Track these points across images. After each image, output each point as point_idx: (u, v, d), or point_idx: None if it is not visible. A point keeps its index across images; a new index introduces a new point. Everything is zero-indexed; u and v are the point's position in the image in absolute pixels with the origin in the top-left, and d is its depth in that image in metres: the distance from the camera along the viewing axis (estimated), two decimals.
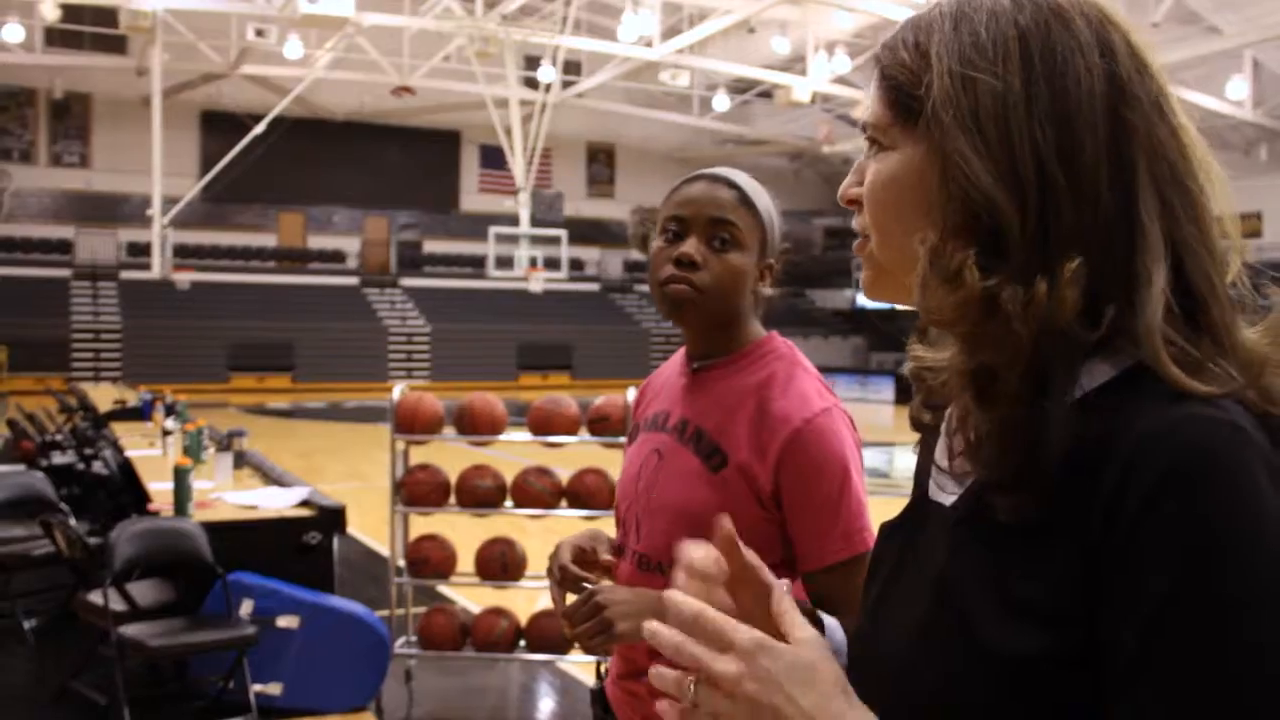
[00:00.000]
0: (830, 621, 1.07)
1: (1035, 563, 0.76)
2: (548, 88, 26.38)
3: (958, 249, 0.79)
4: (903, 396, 18.57)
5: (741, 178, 1.68)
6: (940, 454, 0.91)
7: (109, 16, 23.93)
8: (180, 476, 4.92)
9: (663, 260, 1.65)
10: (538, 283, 27.22)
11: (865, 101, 0.91)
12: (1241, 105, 24.59)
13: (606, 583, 1.59)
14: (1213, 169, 0.81)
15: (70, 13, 22.90)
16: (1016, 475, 0.77)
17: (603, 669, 1.78)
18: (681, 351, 1.76)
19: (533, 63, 27.24)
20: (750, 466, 1.56)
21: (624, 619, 1.47)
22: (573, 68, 28.73)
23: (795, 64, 25.51)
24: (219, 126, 29.84)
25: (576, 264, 32.92)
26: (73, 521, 5.40)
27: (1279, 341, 0.78)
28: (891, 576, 0.92)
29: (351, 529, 8.21)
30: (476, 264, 31.72)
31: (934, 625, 0.82)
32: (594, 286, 36.25)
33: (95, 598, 4.54)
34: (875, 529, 1.08)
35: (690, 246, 1.63)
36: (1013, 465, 0.77)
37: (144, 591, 4.74)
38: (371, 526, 8.14)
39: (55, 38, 26.98)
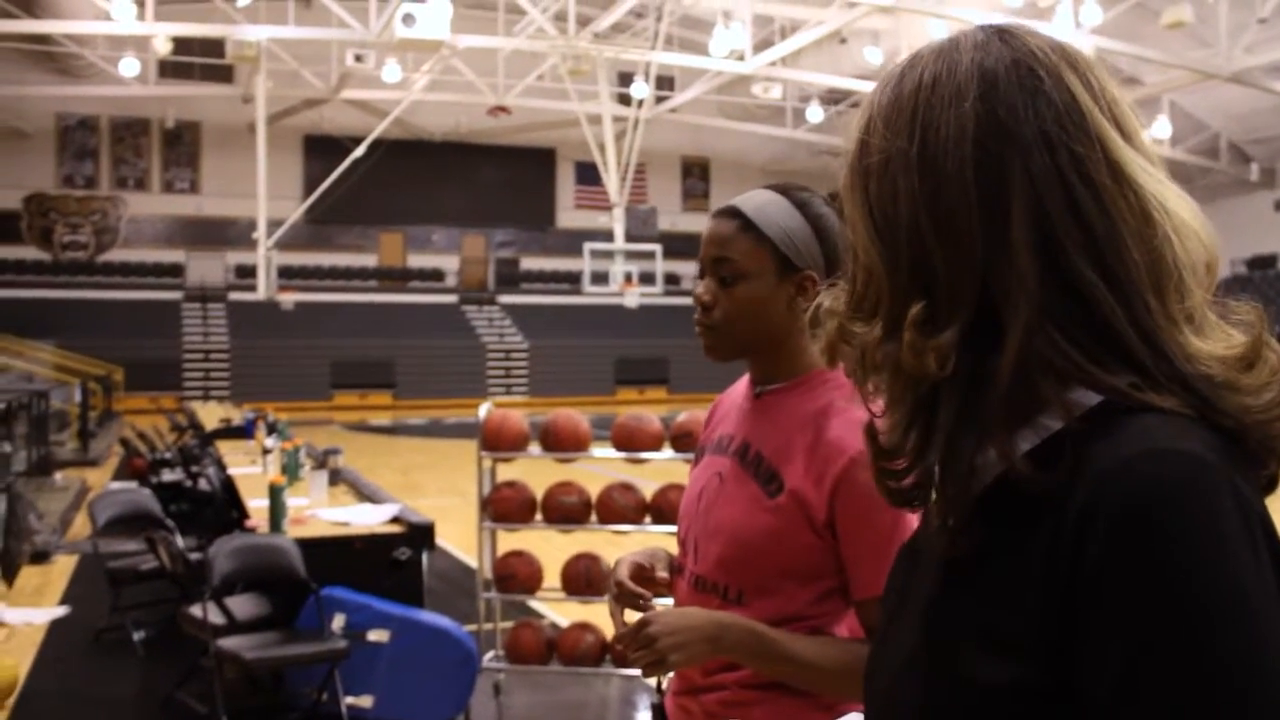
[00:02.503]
0: None
1: (1009, 598, 0.77)
2: (640, 103, 26.53)
3: (840, 298, 0.87)
4: None
5: (750, 202, 1.69)
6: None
7: (216, 47, 24.80)
8: (275, 494, 5.06)
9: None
10: (633, 298, 27.33)
11: None
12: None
13: (660, 604, 1.60)
14: (1157, 199, 0.80)
15: (180, 45, 23.79)
16: (940, 513, 0.82)
17: (663, 684, 1.80)
18: (747, 375, 1.78)
19: (625, 79, 27.44)
20: (805, 493, 1.57)
21: (676, 650, 1.48)
22: (665, 83, 28.86)
23: None
24: (321, 150, 30.64)
25: (672, 278, 32.95)
26: (177, 537, 5.60)
27: (1245, 366, 0.77)
28: (894, 608, 0.93)
29: (446, 544, 8.36)
30: (573, 280, 31.98)
31: (917, 656, 0.83)
32: (689, 301, 36.08)
33: (195, 611, 4.71)
34: None
35: (701, 288, 1.67)
36: (939, 500, 0.83)
37: (241, 606, 4.90)
38: (465, 542, 8.27)
39: (167, 69, 28.09)
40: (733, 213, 1.68)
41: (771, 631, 1.50)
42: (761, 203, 1.68)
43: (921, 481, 0.87)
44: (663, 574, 1.67)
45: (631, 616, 1.58)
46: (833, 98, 30.09)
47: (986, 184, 0.79)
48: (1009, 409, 0.78)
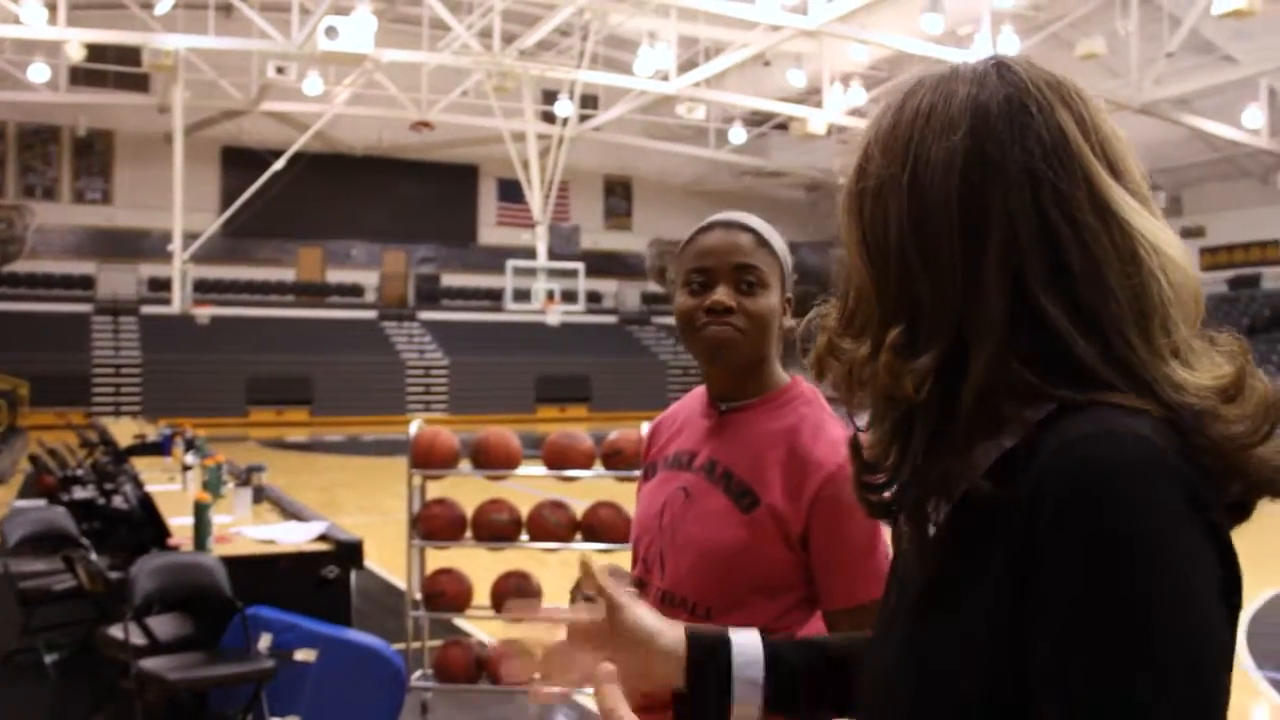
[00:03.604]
0: (740, 638, 1.09)
1: (980, 608, 0.79)
2: (565, 121, 26.57)
3: (831, 314, 0.91)
4: None
5: (753, 220, 1.73)
6: None
7: (132, 55, 24.31)
8: (200, 512, 4.96)
9: (693, 310, 1.68)
10: (555, 315, 27.31)
11: None
12: (1258, 134, 24.59)
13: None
14: (1144, 236, 0.81)
15: (94, 52, 23.25)
16: (911, 529, 0.87)
17: None
18: (700, 391, 1.79)
19: (550, 97, 27.47)
20: (782, 509, 1.60)
21: None
22: (590, 101, 28.94)
23: (811, 96, 25.65)
24: (239, 162, 30.15)
25: (594, 296, 33.03)
26: (94, 556, 5.45)
27: (1228, 398, 0.79)
28: (883, 621, 0.95)
29: (370, 562, 8.24)
30: (494, 297, 31.87)
31: (899, 669, 0.86)
32: (611, 319, 36.34)
33: (116, 632, 4.58)
34: None
35: (722, 294, 1.66)
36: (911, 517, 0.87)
37: (163, 626, 4.78)
38: (390, 560, 8.17)
39: (79, 76, 27.41)
40: (744, 227, 1.71)
41: None
42: (761, 223, 1.73)
43: (896, 496, 0.90)
44: (628, 590, 1.68)
45: None
46: (756, 119, 30.45)
47: (968, 216, 0.81)
48: (972, 431, 0.82)
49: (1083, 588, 0.72)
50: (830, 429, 1.66)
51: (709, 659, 1.07)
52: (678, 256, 1.75)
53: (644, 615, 1.10)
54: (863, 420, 0.91)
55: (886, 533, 1.59)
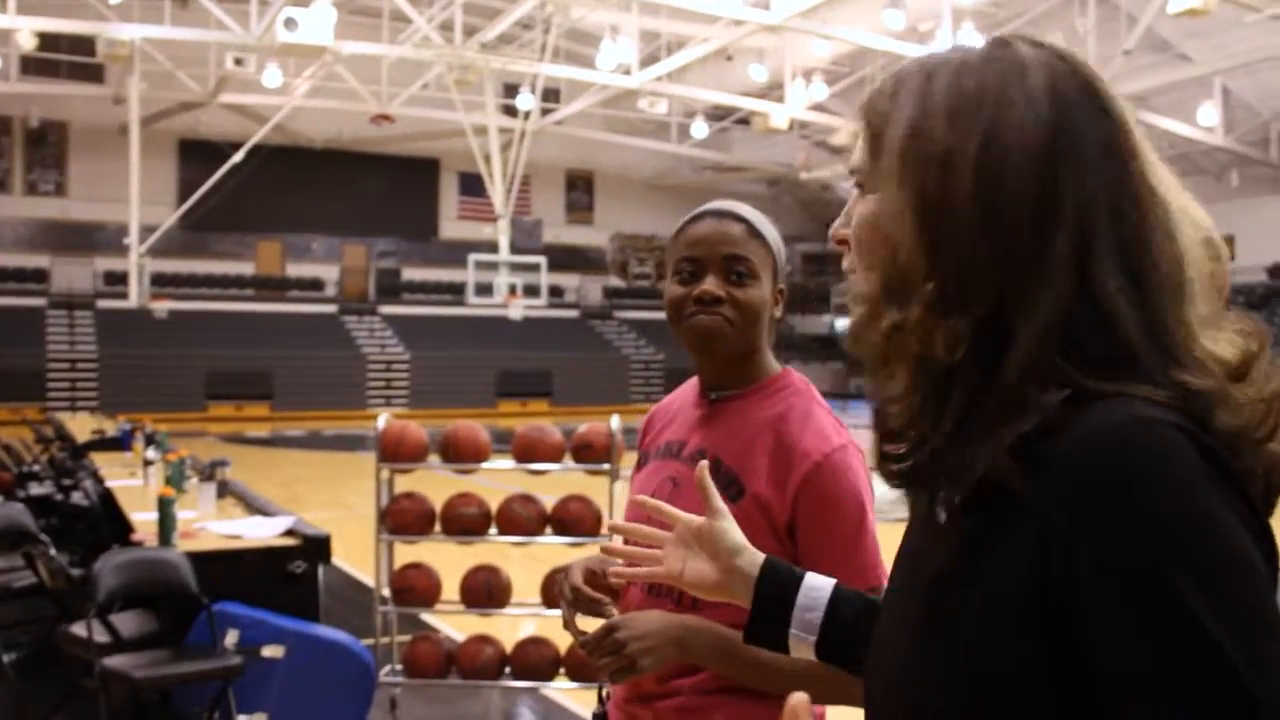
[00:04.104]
0: (813, 582, 1.19)
1: (1000, 588, 0.80)
2: (526, 115, 26.48)
3: (876, 286, 0.89)
4: None
5: (746, 210, 1.72)
6: None
7: (86, 45, 23.95)
8: (164, 506, 4.90)
9: (682, 300, 1.67)
10: (517, 310, 27.24)
11: (855, 146, 0.95)
12: (1213, 131, 24.95)
13: (618, 613, 1.59)
14: (1180, 212, 0.85)
15: (47, 41, 22.89)
16: (936, 505, 0.86)
17: (605, 692, 1.79)
18: (694, 382, 1.78)
19: (511, 90, 27.36)
20: (768, 498, 1.59)
21: (645, 655, 1.47)
22: (551, 95, 28.86)
23: (773, 91, 25.69)
24: (197, 155, 29.76)
25: (556, 291, 32.93)
26: (54, 552, 5.36)
27: (1240, 375, 0.82)
28: (894, 607, 0.95)
29: (335, 558, 8.18)
30: (456, 291, 31.71)
31: (915, 653, 0.86)
32: (573, 313, 36.27)
33: (78, 629, 4.51)
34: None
35: (711, 284, 1.65)
36: (935, 475, 0.85)
37: (127, 623, 4.71)
38: (355, 555, 8.11)
39: (31, 66, 26.91)
40: (736, 217, 1.70)
41: (733, 634, 1.50)
42: (754, 213, 1.72)
43: (918, 468, 0.89)
44: (616, 580, 1.66)
45: (587, 623, 1.56)
46: (717, 114, 30.47)
47: (1045, 195, 0.83)
48: (1004, 409, 0.81)
49: (1149, 568, 0.73)
50: (819, 418, 1.65)
51: (776, 593, 1.16)
52: (669, 245, 1.74)
53: (733, 529, 1.22)
54: (861, 412, 0.91)
55: (874, 526, 1.59)
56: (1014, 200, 0.83)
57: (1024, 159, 0.83)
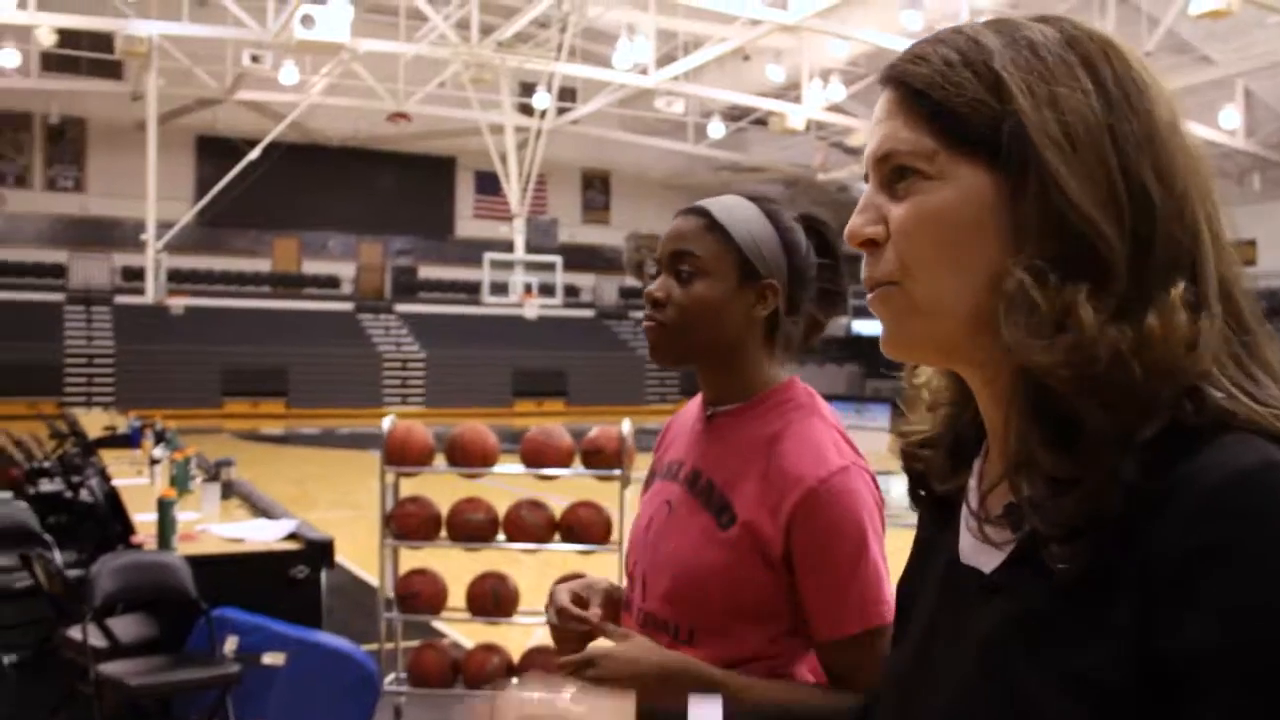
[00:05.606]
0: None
1: (1088, 630, 0.69)
2: (543, 114, 26.39)
3: (1061, 285, 0.73)
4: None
5: (718, 203, 1.58)
6: (969, 518, 0.83)
7: (105, 42, 23.99)
8: (164, 508, 4.81)
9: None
10: (532, 309, 27.15)
11: (882, 131, 0.82)
12: (1234, 134, 24.71)
13: (602, 643, 1.48)
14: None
15: (66, 38, 22.90)
16: (1085, 525, 0.70)
17: None
18: (700, 395, 1.65)
19: (528, 89, 27.28)
20: (759, 526, 1.44)
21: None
22: (568, 94, 28.78)
23: (790, 91, 25.55)
24: (214, 152, 29.80)
25: (571, 290, 32.86)
26: (55, 554, 5.29)
27: None
28: (923, 646, 0.84)
29: (342, 559, 8.11)
30: (471, 290, 31.64)
31: (976, 696, 0.75)
32: (589, 313, 36.21)
33: (75, 633, 4.43)
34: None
35: (655, 285, 1.55)
36: (1084, 516, 0.70)
37: (125, 627, 4.63)
38: (362, 556, 8.02)
39: (51, 62, 26.97)
40: (699, 211, 1.57)
41: (724, 676, 1.38)
42: (730, 205, 1.57)
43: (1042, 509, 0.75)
44: (595, 610, 1.54)
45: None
46: (734, 114, 30.34)
47: (1184, 171, 0.78)
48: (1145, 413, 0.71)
49: (1239, 592, 0.64)
50: (818, 437, 1.49)
51: None
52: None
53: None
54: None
55: (877, 554, 1.46)
56: (1178, 175, 0.77)
57: (1169, 131, 0.77)
